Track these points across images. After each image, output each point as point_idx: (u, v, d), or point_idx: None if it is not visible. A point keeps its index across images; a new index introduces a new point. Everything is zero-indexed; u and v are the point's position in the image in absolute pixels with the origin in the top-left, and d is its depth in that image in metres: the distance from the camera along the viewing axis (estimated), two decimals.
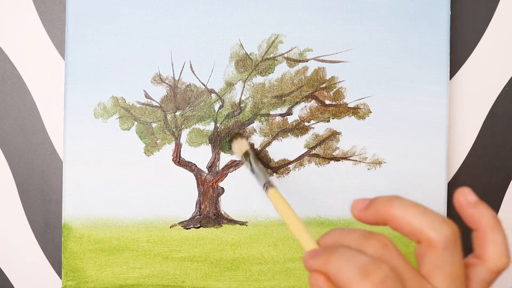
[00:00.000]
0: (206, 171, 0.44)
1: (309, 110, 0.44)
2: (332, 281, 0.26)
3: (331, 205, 0.44)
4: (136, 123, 0.44)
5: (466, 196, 0.28)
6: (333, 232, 0.29)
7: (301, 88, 0.44)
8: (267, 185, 0.37)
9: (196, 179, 0.44)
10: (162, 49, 0.44)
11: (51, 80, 0.46)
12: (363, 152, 0.44)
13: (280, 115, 0.44)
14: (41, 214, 0.46)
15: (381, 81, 0.44)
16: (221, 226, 0.44)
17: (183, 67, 0.44)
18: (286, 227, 0.33)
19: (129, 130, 0.44)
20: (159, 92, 0.44)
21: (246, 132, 0.44)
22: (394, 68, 0.44)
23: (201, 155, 0.44)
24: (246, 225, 0.44)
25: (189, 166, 0.44)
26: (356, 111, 0.44)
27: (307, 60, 0.44)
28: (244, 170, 0.44)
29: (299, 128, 0.44)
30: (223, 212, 0.44)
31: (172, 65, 0.44)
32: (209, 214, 0.44)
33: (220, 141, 0.44)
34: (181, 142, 0.44)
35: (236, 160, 0.44)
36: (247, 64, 0.44)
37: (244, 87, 0.44)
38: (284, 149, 0.44)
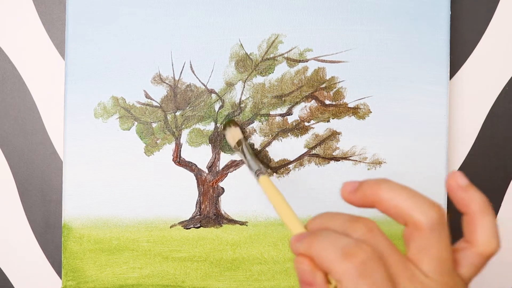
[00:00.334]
0: (206, 171, 0.44)
1: (309, 110, 0.44)
2: (316, 264, 0.26)
3: (331, 205, 0.44)
4: (136, 123, 0.44)
5: (457, 180, 0.28)
6: (321, 216, 0.29)
7: (301, 88, 0.44)
8: (258, 172, 0.37)
9: (196, 179, 0.44)
10: (162, 49, 0.44)
11: (51, 80, 0.46)
12: (363, 152, 0.44)
13: (280, 115, 0.44)
14: (41, 214, 0.46)
15: (381, 81, 0.44)
16: (221, 226, 0.44)
17: (183, 67, 0.44)
18: (276, 212, 0.33)
19: (129, 130, 0.44)
20: (159, 92, 0.44)
21: (248, 134, 0.44)
22: (394, 68, 0.44)
23: (201, 155, 0.44)
24: (246, 225, 0.44)
25: (189, 166, 0.44)
26: (356, 111, 0.44)
27: (307, 60, 0.44)
28: (244, 170, 0.44)
29: (299, 128, 0.44)
30: (223, 212, 0.44)
31: (172, 65, 0.44)
32: (209, 214, 0.44)
33: (221, 141, 0.44)
34: (181, 142, 0.44)
35: (236, 160, 0.44)
36: (247, 64, 0.44)
37: (244, 87, 0.44)
38: (284, 149, 0.44)
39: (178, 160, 0.44)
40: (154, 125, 0.44)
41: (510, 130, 0.46)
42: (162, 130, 0.44)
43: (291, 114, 0.44)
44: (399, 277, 0.25)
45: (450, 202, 0.45)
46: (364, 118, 0.44)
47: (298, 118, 0.44)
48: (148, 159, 0.44)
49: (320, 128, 0.44)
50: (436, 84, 0.44)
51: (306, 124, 0.44)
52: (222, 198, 0.44)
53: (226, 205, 0.44)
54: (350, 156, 0.44)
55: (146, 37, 0.44)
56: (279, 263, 0.44)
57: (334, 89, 0.44)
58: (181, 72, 0.44)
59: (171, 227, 0.44)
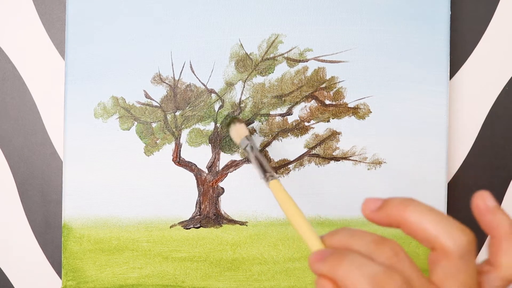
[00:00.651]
0: (206, 171, 0.44)
1: (309, 110, 0.44)
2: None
3: (331, 205, 0.44)
4: (136, 123, 0.44)
5: (485, 201, 0.27)
6: (342, 232, 0.27)
7: (301, 88, 0.44)
8: (268, 176, 0.35)
9: (196, 179, 0.44)
10: (162, 49, 0.44)
11: (51, 80, 0.46)
12: (363, 152, 0.44)
13: (280, 115, 0.44)
14: (41, 214, 0.46)
15: (381, 81, 0.44)
16: (221, 226, 0.44)
17: (183, 67, 0.44)
18: (288, 221, 0.31)
19: (129, 130, 0.44)
20: (159, 92, 0.44)
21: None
22: (394, 68, 0.44)
23: (201, 155, 0.44)
24: (246, 225, 0.44)
25: (189, 166, 0.44)
26: (356, 111, 0.44)
27: (307, 60, 0.44)
28: (244, 170, 0.44)
29: (299, 128, 0.44)
30: (223, 212, 0.44)
31: (172, 65, 0.44)
32: (209, 214, 0.44)
33: (220, 140, 0.44)
34: (181, 142, 0.44)
35: (236, 160, 0.44)
36: (247, 64, 0.44)
37: (244, 87, 0.44)
38: (284, 149, 0.44)
39: (178, 160, 0.44)
40: (154, 125, 0.44)
41: (510, 130, 0.46)
42: (162, 130, 0.44)
43: (291, 114, 0.44)
44: None
45: (449, 204, 0.45)
46: (364, 118, 0.44)
47: (298, 118, 0.44)
48: (148, 159, 0.44)
49: (320, 128, 0.44)
50: (436, 84, 0.44)
51: (306, 124, 0.44)
52: (222, 198, 0.44)
53: (226, 205, 0.44)
54: (350, 156, 0.44)
55: (146, 37, 0.44)
56: (279, 263, 0.44)
57: (334, 89, 0.44)
58: (181, 72, 0.44)
59: (171, 227, 0.44)
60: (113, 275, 0.44)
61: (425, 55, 0.43)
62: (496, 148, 0.46)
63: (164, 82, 0.44)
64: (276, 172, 0.44)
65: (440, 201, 0.44)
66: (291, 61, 0.44)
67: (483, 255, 0.45)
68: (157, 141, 0.44)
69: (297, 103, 0.44)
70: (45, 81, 0.46)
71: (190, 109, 0.44)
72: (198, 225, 0.44)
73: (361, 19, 0.44)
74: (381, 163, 0.44)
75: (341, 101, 0.44)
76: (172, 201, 0.44)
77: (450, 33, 0.43)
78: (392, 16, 0.44)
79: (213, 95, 0.44)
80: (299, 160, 0.44)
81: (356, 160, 0.44)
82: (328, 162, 0.44)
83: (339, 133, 0.44)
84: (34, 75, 0.46)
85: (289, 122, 0.44)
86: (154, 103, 0.44)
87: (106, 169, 0.44)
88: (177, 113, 0.44)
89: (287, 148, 0.44)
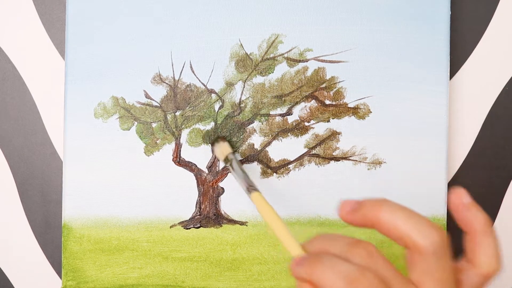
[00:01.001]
0: (206, 171, 0.44)
1: (309, 110, 0.44)
2: None
3: (331, 205, 0.44)
4: (136, 123, 0.44)
5: (461, 198, 0.28)
6: (319, 238, 0.28)
7: (301, 88, 0.44)
8: (250, 189, 0.37)
9: (196, 179, 0.44)
10: (162, 49, 0.44)
11: (51, 80, 0.46)
12: (363, 152, 0.44)
13: (280, 115, 0.44)
14: (41, 214, 0.46)
15: (381, 81, 0.44)
16: (221, 226, 0.44)
17: (183, 67, 0.44)
18: (270, 231, 0.32)
19: (129, 130, 0.44)
20: (159, 92, 0.44)
21: (248, 134, 0.44)
22: (394, 68, 0.44)
23: (201, 155, 0.44)
24: (246, 225, 0.44)
25: (189, 166, 0.44)
26: (356, 111, 0.44)
27: (307, 60, 0.44)
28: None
29: (299, 128, 0.44)
30: (223, 212, 0.44)
31: (172, 65, 0.44)
32: (209, 214, 0.44)
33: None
34: (181, 142, 0.44)
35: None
36: (247, 64, 0.44)
37: (244, 87, 0.44)
38: (284, 149, 0.44)
39: (178, 160, 0.44)
40: (154, 125, 0.44)
41: (510, 130, 0.46)
42: (162, 130, 0.44)
43: (291, 114, 0.44)
44: None
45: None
46: (364, 118, 0.44)
47: (298, 118, 0.44)
48: (148, 159, 0.44)
49: (320, 128, 0.44)
50: (436, 84, 0.44)
51: (306, 124, 0.44)
52: (222, 198, 0.44)
53: (226, 205, 0.44)
54: (350, 156, 0.44)
55: (146, 37, 0.44)
56: (279, 263, 0.44)
57: (334, 89, 0.44)
58: (181, 72, 0.44)
59: (171, 227, 0.44)
60: (113, 275, 0.44)
61: (425, 55, 0.43)
62: (496, 148, 0.46)
63: (164, 82, 0.44)
64: (276, 172, 0.44)
65: (440, 201, 0.44)
66: (291, 61, 0.44)
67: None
68: (157, 141, 0.44)
69: (297, 103, 0.44)
70: (45, 81, 0.46)
71: (190, 109, 0.44)
72: (198, 225, 0.44)
73: (361, 19, 0.44)
74: (381, 163, 0.44)
75: (341, 101, 0.44)
76: (172, 201, 0.44)
77: (450, 33, 0.43)
78: (392, 16, 0.44)
79: (213, 95, 0.44)
80: (299, 160, 0.44)
81: (356, 160, 0.44)
82: (328, 162, 0.44)
83: (339, 133, 0.44)
84: (34, 75, 0.46)
85: (289, 122, 0.44)
86: (154, 103, 0.44)
87: (106, 169, 0.44)
88: (177, 113, 0.44)
89: (287, 148, 0.44)
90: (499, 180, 0.46)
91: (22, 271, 0.46)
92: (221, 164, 0.44)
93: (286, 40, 0.44)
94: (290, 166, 0.44)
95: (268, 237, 0.44)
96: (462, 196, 0.28)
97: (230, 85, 0.44)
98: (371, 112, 0.44)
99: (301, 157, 0.44)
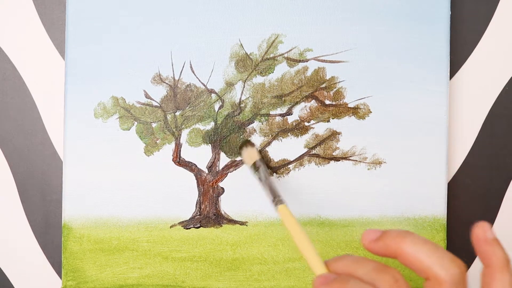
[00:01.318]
0: (206, 171, 0.44)
1: (309, 110, 0.44)
2: None
3: (331, 205, 0.44)
4: (136, 123, 0.44)
5: (484, 232, 0.28)
6: (345, 259, 0.29)
7: (301, 88, 0.44)
8: (277, 200, 0.37)
9: (196, 179, 0.44)
10: (162, 49, 0.44)
11: (51, 80, 0.46)
12: (363, 152, 0.44)
13: (280, 115, 0.44)
14: (41, 214, 0.46)
15: (381, 81, 0.44)
16: (221, 226, 0.44)
17: (183, 67, 0.44)
18: (294, 245, 0.33)
19: (129, 130, 0.44)
20: (159, 92, 0.44)
21: (248, 134, 0.44)
22: (394, 68, 0.44)
23: (201, 155, 0.44)
24: (246, 225, 0.44)
25: (189, 166, 0.44)
26: (356, 111, 0.44)
27: (307, 60, 0.44)
28: (244, 170, 0.44)
29: (299, 128, 0.44)
30: (223, 212, 0.44)
31: (172, 65, 0.44)
32: (209, 214, 0.44)
33: (220, 141, 0.44)
34: (181, 142, 0.44)
35: (236, 160, 0.44)
36: (247, 64, 0.44)
37: (244, 87, 0.44)
38: (284, 149, 0.44)
39: (178, 160, 0.44)
40: (154, 125, 0.44)
41: (510, 130, 0.46)
42: (162, 130, 0.44)
43: (291, 114, 0.44)
44: None
45: (449, 204, 0.45)
46: (364, 118, 0.44)
47: (298, 118, 0.44)
48: (148, 159, 0.44)
49: (320, 128, 0.44)
50: (436, 84, 0.44)
51: (306, 124, 0.44)
52: (222, 198, 0.44)
53: (226, 205, 0.44)
54: (350, 156, 0.44)
55: (146, 37, 0.44)
56: (279, 263, 0.44)
57: (334, 89, 0.44)
58: (181, 72, 0.44)
59: (171, 227, 0.44)
60: (113, 275, 0.44)
61: (425, 55, 0.43)
62: (496, 148, 0.46)
63: (164, 82, 0.44)
64: (276, 172, 0.44)
65: (440, 201, 0.44)
66: (291, 61, 0.44)
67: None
68: (157, 141, 0.44)
69: (297, 103, 0.44)
70: (45, 81, 0.46)
71: (190, 109, 0.44)
72: (198, 225, 0.44)
73: (361, 19, 0.44)
74: (381, 163, 0.44)
75: (341, 101, 0.44)
76: (172, 201, 0.44)
77: (450, 33, 0.43)
78: (392, 16, 0.44)
79: (213, 95, 0.44)
80: (299, 160, 0.44)
81: (356, 160, 0.44)
82: (328, 162, 0.44)
83: (339, 133, 0.44)
84: (34, 75, 0.46)
85: (289, 122, 0.44)
86: (154, 103, 0.44)
87: (106, 169, 0.44)
88: (177, 113, 0.44)
89: (287, 148, 0.44)
90: (499, 180, 0.46)
91: (22, 271, 0.46)
92: (221, 164, 0.44)
93: (286, 40, 0.44)
94: (290, 166, 0.44)
95: (268, 237, 0.44)
96: (486, 230, 0.28)
97: (230, 85, 0.44)
98: (371, 112, 0.44)
99: (301, 157, 0.44)
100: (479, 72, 0.46)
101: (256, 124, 0.44)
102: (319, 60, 0.44)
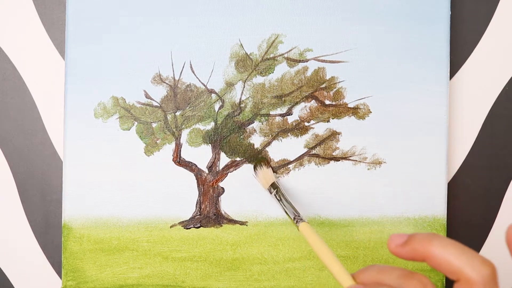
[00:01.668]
0: (206, 171, 0.44)
1: (309, 110, 0.44)
2: None
3: (331, 205, 0.44)
4: (136, 123, 0.44)
5: None
6: (371, 269, 0.29)
7: (301, 88, 0.44)
8: (297, 219, 0.38)
9: (196, 179, 0.44)
10: (162, 49, 0.44)
11: (51, 80, 0.46)
12: (363, 152, 0.44)
13: (280, 115, 0.44)
14: (41, 214, 0.46)
15: (381, 81, 0.44)
16: (221, 226, 0.44)
17: (183, 67, 0.44)
18: (320, 261, 0.33)
19: (129, 130, 0.44)
20: (159, 92, 0.44)
21: (248, 134, 0.44)
22: (394, 68, 0.44)
23: (201, 155, 0.44)
24: (246, 225, 0.44)
25: (189, 166, 0.44)
26: (356, 111, 0.44)
27: (307, 60, 0.44)
28: (244, 170, 0.44)
29: (299, 128, 0.44)
30: (223, 212, 0.44)
31: (172, 65, 0.44)
32: (209, 214, 0.44)
33: (220, 141, 0.44)
34: (181, 142, 0.44)
35: (236, 160, 0.44)
36: (247, 64, 0.44)
37: (244, 87, 0.44)
38: (284, 149, 0.44)
39: (178, 160, 0.44)
40: (154, 125, 0.44)
41: (510, 130, 0.46)
42: (162, 130, 0.44)
43: (291, 114, 0.44)
44: None
45: (449, 204, 0.45)
46: (364, 118, 0.44)
47: (298, 118, 0.44)
48: (148, 159, 0.44)
49: (320, 128, 0.44)
50: (436, 84, 0.44)
51: (306, 124, 0.44)
52: (222, 198, 0.44)
53: (226, 205, 0.44)
54: (350, 156, 0.44)
55: (146, 37, 0.44)
56: (279, 263, 0.44)
57: (334, 89, 0.44)
58: (181, 72, 0.44)
59: (171, 227, 0.44)
60: (113, 275, 0.44)
61: (425, 55, 0.43)
62: (496, 148, 0.46)
63: (164, 82, 0.44)
64: (276, 172, 0.44)
65: (440, 201, 0.44)
66: (291, 61, 0.44)
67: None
68: (157, 141, 0.44)
69: (297, 103, 0.44)
70: (45, 81, 0.46)
71: (190, 109, 0.44)
72: (198, 225, 0.44)
73: (361, 19, 0.44)
74: (381, 163, 0.44)
75: (341, 101, 0.44)
76: (172, 201, 0.44)
77: (450, 33, 0.43)
78: (392, 16, 0.44)
79: (213, 95, 0.44)
80: (299, 160, 0.44)
81: (356, 160, 0.44)
82: (328, 162, 0.44)
83: (339, 133, 0.44)
84: (34, 75, 0.46)
85: (289, 122, 0.44)
86: (154, 103, 0.44)
87: (106, 169, 0.44)
88: (177, 113, 0.44)
89: (287, 148, 0.44)
90: (499, 180, 0.46)
91: (22, 271, 0.46)
92: (222, 164, 0.44)
93: (286, 40, 0.44)
94: (290, 166, 0.44)
95: (268, 237, 0.44)
96: None
97: (230, 85, 0.44)
98: (371, 112, 0.44)
99: (301, 157, 0.44)
100: (479, 72, 0.46)
101: (256, 124, 0.44)
102: (319, 60, 0.44)
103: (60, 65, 0.46)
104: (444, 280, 0.43)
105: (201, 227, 0.44)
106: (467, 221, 0.46)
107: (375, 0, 0.44)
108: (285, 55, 0.44)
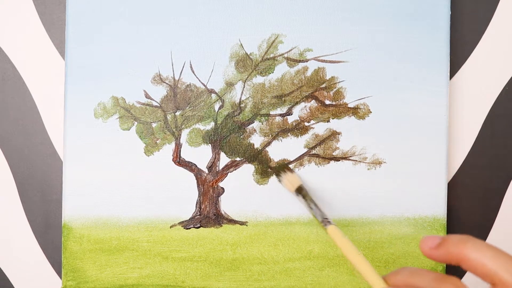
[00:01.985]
0: (206, 171, 0.44)
1: (309, 110, 0.44)
2: None
3: (331, 205, 0.44)
4: (136, 123, 0.44)
5: None
6: (402, 271, 0.29)
7: (301, 88, 0.44)
8: (326, 222, 0.38)
9: (196, 179, 0.44)
10: (162, 49, 0.44)
11: (51, 80, 0.46)
12: (363, 152, 0.44)
13: (280, 115, 0.44)
14: (41, 214, 0.46)
15: (381, 81, 0.44)
16: (221, 226, 0.44)
17: (183, 67, 0.44)
18: (351, 265, 0.33)
19: (129, 130, 0.44)
20: (159, 92, 0.44)
21: (248, 134, 0.44)
22: (394, 68, 0.44)
23: (201, 155, 0.44)
24: (246, 225, 0.44)
25: (189, 166, 0.44)
26: (356, 111, 0.44)
27: (307, 60, 0.44)
28: (244, 170, 0.44)
29: (299, 128, 0.44)
30: (223, 212, 0.44)
31: (172, 65, 0.44)
32: (209, 214, 0.44)
33: (220, 141, 0.44)
34: (181, 142, 0.44)
35: (236, 160, 0.44)
36: (247, 64, 0.44)
37: (244, 87, 0.44)
38: (284, 149, 0.44)
39: (178, 160, 0.44)
40: (154, 125, 0.44)
41: (510, 130, 0.46)
42: (162, 130, 0.44)
43: (291, 114, 0.44)
44: None
45: (449, 204, 0.45)
46: (364, 118, 0.44)
47: (298, 118, 0.44)
48: (148, 159, 0.44)
49: (320, 128, 0.44)
50: (436, 84, 0.44)
51: (306, 124, 0.44)
52: (222, 198, 0.44)
53: (226, 205, 0.44)
54: (350, 156, 0.44)
55: (146, 37, 0.44)
56: (279, 263, 0.44)
57: (334, 89, 0.44)
58: (181, 72, 0.44)
59: (171, 227, 0.44)
60: (113, 275, 0.44)
61: (425, 55, 0.43)
62: (496, 148, 0.46)
63: (164, 82, 0.44)
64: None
65: (440, 201, 0.44)
66: (291, 61, 0.44)
67: None
68: (157, 141, 0.44)
69: (297, 103, 0.44)
70: (45, 81, 0.46)
71: (190, 109, 0.44)
72: (198, 225, 0.44)
73: (361, 19, 0.44)
74: (381, 163, 0.44)
75: (341, 101, 0.44)
76: (172, 201, 0.44)
77: (450, 33, 0.43)
78: (392, 16, 0.44)
79: (213, 95, 0.44)
80: (299, 160, 0.44)
81: (356, 160, 0.44)
82: (328, 162, 0.44)
83: (339, 133, 0.44)
84: (34, 75, 0.46)
85: (289, 122, 0.44)
86: (154, 103, 0.44)
87: (106, 169, 0.44)
88: (177, 113, 0.44)
89: (287, 148, 0.44)
90: (499, 180, 0.46)
91: (22, 271, 0.46)
92: (221, 164, 0.44)
93: (286, 40, 0.44)
94: (290, 166, 0.44)
95: (268, 237, 0.44)
96: None
97: (230, 85, 0.44)
98: (371, 112, 0.44)
99: (301, 157, 0.44)
100: (479, 72, 0.46)
101: (256, 124, 0.44)
102: (319, 60, 0.44)
103: (60, 65, 0.46)
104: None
105: (201, 227, 0.44)
106: (467, 221, 0.46)
107: (375, 0, 0.44)
108: (285, 55, 0.44)
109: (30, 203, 0.46)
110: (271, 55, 0.44)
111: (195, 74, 0.44)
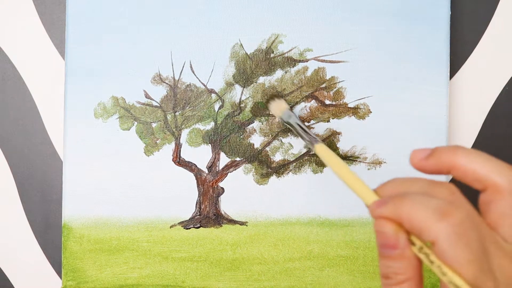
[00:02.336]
0: (206, 171, 0.44)
1: (309, 110, 0.44)
2: (402, 227, 0.25)
3: (331, 205, 0.44)
4: (136, 123, 0.44)
5: None
6: (394, 182, 0.28)
7: (301, 88, 0.44)
8: (313, 140, 0.37)
9: (196, 179, 0.44)
10: (162, 49, 0.44)
11: (51, 80, 0.46)
12: (363, 152, 0.44)
13: None
14: (41, 214, 0.46)
15: (381, 81, 0.44)
16: (221, 226, 0.44)
17: (183, 67, 0.44)
18: (340, 180, 0.31)
19: (129, 130, 0.44)
20: (159, 92, 0.44)
21: (248, 134, 0.44)
22: (394, 68, 0.44)
23: (201, 155, 0.44)
24: (246, 225, 0.44)
25: (189, 166, 0.44)
26: (356, 111, 0.44)
27: (307, 60, 0.44)
28: (244, 170, 0.44)
29: None
30: (223, 212, 0.44)
31: (172, 65, 0.44)
32: (209, 214, 0.44)
33: (220, 141, 0.44)
34: (181, 142, 0.44)
35: (236, 160, 0.44)
36: (247, 64, 0.44)
37: (244, 87, 0.44)
38: (284, 149, 0.44)
39: (178, 160, 0.44)
40: (154, 125, 0.44)
41: (510, 130, 0.46)
42: (162, 130, 0.44)
43: None
44: (485, 241, 0.24)
45: None
46: (364, 118, 0.44)
47: None
48: (148, 159, 0.44)
49: (320, 128, 0.44)
50: (436, 84, 0.44)
51: (306, 124, 0.44)
52: (222, 198, 0.44)
53: (226, 205, 0.44)
54: (350, 156, 0.44)
55: (146, 37, 0.44)
56: (279, 263, 0.44)
57: (334, 89, 0.44)
58: (181, 72, 0.44)
59: (171, 227, 0.44)
60: (113, 275, 0.44)
61: (425, 55, 0.43)
62: (496, 148, 0.46)
63: (164, 82, 0.44)
64: (276, 172, 0.44)
65: None
66: (291, 61, 0.44)
67: None
68: (157, 141, 0.44)
69: (297, 103, 0.44)
70: (45, 81, 0.46)
71: (190, 109, 0.44)
72: (198, 225, 0.44)
73: (361, 19, 0.44)
74: (381, 163, 0.44)
75: (341, 101, 0.44)
76: (172, 201, 0.44)
77: (450, 33, 0.43)
78: (392, 16, 0.44)
79: (213, 95, 0.44)
80: (299, 160, 0.44)
81: (356, 160, 0.44)
82: None
83: (339, 133, 0.44)
84: (34, 75, 0.46)
85: None
86: (154, 103, 0.44)
87: (106, 169, 0.44)
88: (177, 113, 0.44)
89: (287, 148, 0.44)
90: None
91: (22, 271, 0.46)
92: (221, 164, 0.44)
93: (286, 40, 0.44)
94: (290, 166, 0.44)
95: (268, 237, 0.44)
96: None
97: (230, 85, 0.44)
98: (371, 112, 0.44)
99: (301, 157, 0.44)
100: (479, 72, 0.46)
101: (256, 124, 0.44)
102: (319, 60, 0.44)
103: (60, 65, 0.46)
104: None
105: (201, 227, 0.44)
106: None
107: (375, 0, 0.44)
108: (285, 55, 0.44)
109: (30, 203, 0.46)
110: (271, 55, 0.44)
111: (195, 74, 0.44)
